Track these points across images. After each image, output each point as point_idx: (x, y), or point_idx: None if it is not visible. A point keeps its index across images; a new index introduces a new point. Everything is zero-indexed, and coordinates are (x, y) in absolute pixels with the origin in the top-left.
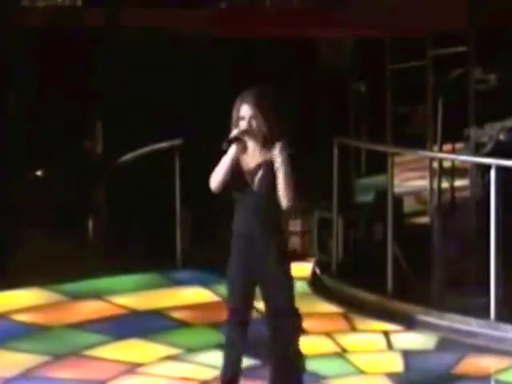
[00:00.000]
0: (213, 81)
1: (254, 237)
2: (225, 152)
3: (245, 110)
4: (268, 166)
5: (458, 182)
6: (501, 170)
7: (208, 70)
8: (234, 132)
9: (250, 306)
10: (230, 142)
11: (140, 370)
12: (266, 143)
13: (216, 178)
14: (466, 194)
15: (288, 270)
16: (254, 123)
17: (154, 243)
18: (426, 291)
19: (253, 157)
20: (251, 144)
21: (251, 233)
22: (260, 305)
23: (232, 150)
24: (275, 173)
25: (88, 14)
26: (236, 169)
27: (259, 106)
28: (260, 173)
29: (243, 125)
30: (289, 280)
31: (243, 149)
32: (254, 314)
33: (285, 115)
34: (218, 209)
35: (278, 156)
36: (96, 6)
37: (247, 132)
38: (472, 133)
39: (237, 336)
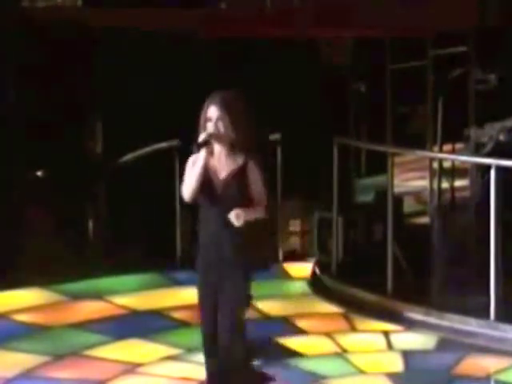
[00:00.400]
0: (213, 81)
1: (221, 247)
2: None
3: (212, 111)
4: (237, 173)
5: (458, 182)
6: (501, 169)
7: (208, 70)
8: (203, 136)
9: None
10: (199, 146)
11: (140, 369)
12: (233, 147)
13: (189, 188)
14: (466, 194)
15: (246, 288)
16: (220, 125)
17: (154, 243)
18: (426, 291)
19: (219, 160)
20: (217, 147)
21: (219, 243)
22: (259, 305)
23: (202, 155)
24: (244, 180)
25: (88, 14)
26: (203, 174)
27: (227, 108)
28: (228, 179)
29: (210, 127)
30: (243, 296)
31: (210, 152)
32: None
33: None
34: None
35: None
36: (96, 5)
37: (214, 135)
38: (472, 133)
39: (211, 334)
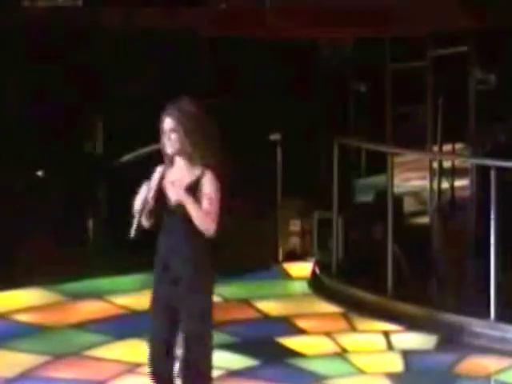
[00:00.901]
0: (212, 81)
1: (174, 264)
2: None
3: (166, 123)
4: (191, 186)
5: (458, 182)
6: (500, 170)
7: (208, 70)
8: (138, 200)
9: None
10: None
11: (140, 370)
12: (192, 158)
13: (137, 205)
14: (466, 194)
15: (208, 308)
16: (174, 137)
17: (154, 243)
18: (426, 291)
19: (180, 171)
20: (178, 158)
21: (170, 254)
22: (259, 305)
23: (144, 190)
24: (199, 193)
25: (88, 14)
26: (159, 187)
27: (181, 119)
28: (182, 192)
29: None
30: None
31: (170, 163)
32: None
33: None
34: None
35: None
36: (96, 5)
37: (177, 150)
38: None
39: (161, 328)
